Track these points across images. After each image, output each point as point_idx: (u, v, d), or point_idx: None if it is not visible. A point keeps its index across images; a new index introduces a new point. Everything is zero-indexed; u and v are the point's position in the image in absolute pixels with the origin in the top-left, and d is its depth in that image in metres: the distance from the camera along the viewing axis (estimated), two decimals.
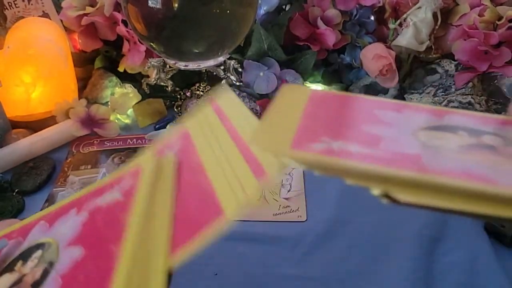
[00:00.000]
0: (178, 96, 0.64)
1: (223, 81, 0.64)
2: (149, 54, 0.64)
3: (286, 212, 0.48)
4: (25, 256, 0.22)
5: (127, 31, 0.62)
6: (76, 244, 0.21)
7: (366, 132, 0.21)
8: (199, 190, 0.20)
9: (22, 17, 0.67)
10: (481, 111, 0.55)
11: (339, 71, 0.69)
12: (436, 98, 0.59)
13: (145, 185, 0.22)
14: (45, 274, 0.20)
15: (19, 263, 0.22)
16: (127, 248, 0.18)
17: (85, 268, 0.19)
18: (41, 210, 0.49)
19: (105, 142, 0.59)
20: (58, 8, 0.68)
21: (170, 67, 0.64)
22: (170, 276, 0.17)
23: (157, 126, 0.62)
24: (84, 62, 0.70)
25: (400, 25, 0.64)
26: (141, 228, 0.19)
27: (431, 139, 0.20)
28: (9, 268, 0.22)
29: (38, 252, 0.22)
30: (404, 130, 0.21)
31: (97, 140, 0.60)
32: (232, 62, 0.63)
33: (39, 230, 0.24)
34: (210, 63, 0.61)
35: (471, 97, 0.56)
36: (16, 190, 0.51)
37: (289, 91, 0.26)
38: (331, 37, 0.63)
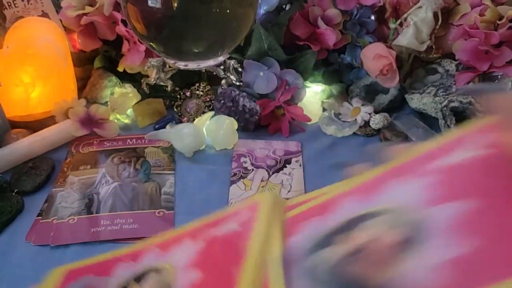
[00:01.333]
0: (178, 96, 0.64)
1: (223, 81, 0.64)
2: (148, 54, 0.64)
3: None
4: (139, 278, 0.23)
5: (126, 30, 0.62)
6: (194, 268, 0.22)
7: None
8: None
9: (22, 17, 0.67)
10: (482, 111, 0.55)
11: (340, 71, 0.69)
12: (437, 98, 0.59)
13: (264, 215, 0.23)
14: None
15: (133, 284, 0.23)
16: (247, 269, 0.19)
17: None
18: (40, 210, 0.49)
19: (105, 142, 0.59)
20: (58, 7, 0.68)
21: (169, 67, 0.63)
22: None
23: (156, 126, 0.62)
24: (83, 62, 0.70)
25: (401, 24, 0.64)
26: (260, 252, 0.20)
27: None
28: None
29: (153, 275, 0.23)
30: None
31: (96, 140, 0.60)
32: (232, 62, 0.63)
33: (153, 256, 0.25)
34: (210, 63, 0.61)
35: (472, 97, 0.56)
36: (15, 190, 0.51)
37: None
38: (331, 37, 0.63)
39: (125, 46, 0.64)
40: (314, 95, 0.65)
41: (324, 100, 0.65)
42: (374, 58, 0.61)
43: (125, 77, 0.68)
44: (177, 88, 0.65)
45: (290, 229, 0.23)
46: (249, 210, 0.24)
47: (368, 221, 0.19)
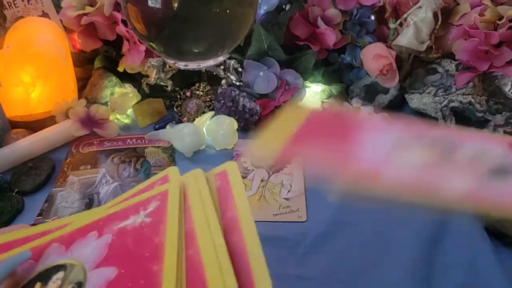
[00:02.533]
0: (178, 96, 0.64)
1: (223, 81, 0.64)
2: (149, 54, 0.64)
3: (286, 212, 0.48)
4: (43, 277, 0.22)
5: (126, 31, 0.62)
6: (107, 265, 0.21)
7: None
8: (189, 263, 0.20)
9: (22, 17, 0.67)
10: (482, 111, 0.55)
11: (339, 71, 0.69)
12: (437, 98, 0.59)
13: (174, 206, 0.23)
14: None
15: (38, 285, 0.22)
16: (169, 268, 0.19)
17: (124, 286, 0.19)
18: (40, 210, 0.49)
19: (105, 142, 0.59)
20: (58, 8, 0.68)
21: (170, 67, 0.63)
22: None
23: (156, 126, 0.62)
24: (83, 62, 0.70)
25: (401, 24, 0.64)
26: (181, 249, 0.20)
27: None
28: None
29: (60, 274, 0.22)
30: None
31: (96, 140, 0.60)
32: (232, 62, 0.63)
33: (54, 252, 0.23)
34: (210, 63, 0.61)
35: (472, 97, 0.56)
36: (15, 190, 0.51)
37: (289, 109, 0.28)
38: (331, 37, 0.63)
39: (125, 46, 0.64)
40: (314, 95, 0.65)
41: (324, 100, 0.65)
42: (374, 58, 0.61)
43: (125, 77, 0.68)
44: (177, 88, 0.65)
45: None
46: (158, 199, 0.24)
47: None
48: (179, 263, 0.19)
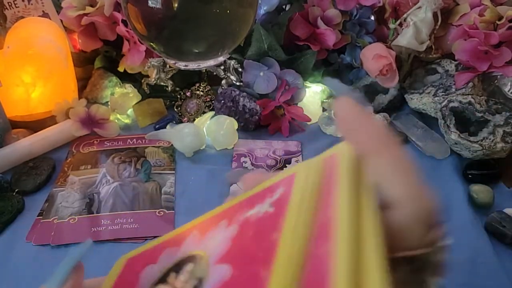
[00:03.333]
0: (178, 96, 0.64)
1: (223, 81, 0.64)
2: (149, 54, 0.64)
3: None
4: (178, 268, 0.21)
5: (127, 31, 0.62)
6: (225, 262, 0.19)
7: None
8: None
9: (22, 17, 0.67)
10: (481, 111, 0.55)
11: (339, 71, 0.69)
12: (437, 98, 0.59)
13: (299, 196, 0.18)
14: None
15: (173, 275, 0.21)
16: (276, 275, 0.15)
17: None
18: (41, 210, 0.49)
19: (105, 142, 0.59)
20: (58, 8, 0.68)
21: (170, 67, 0.64)
22: None
23: (157, 126, 0.62)
24: (84, 62, 0.70)
25: (400, 25, 0.64)
26: (292, 249, 0.16)
27: None
28: (163, 279, 0.21)
29: (190, 265, 0.21)
30: None
31: (97, 140, 0.60)
32: (232, 62, 0.63)
33: (192, 240, 0.23)
34: (210, 63, 0.61)
35: (472, 97, 0.56)
36: (16, 190, 0.51)
37: None
38: (331, 37, 0.63)
39: (126, 46, 0.64)
40: (314, 95, 0.65)
41: (324, 100, 0.65)
42: (374, 58, 0.61)
43: (125, 77, 0.68)
44: (177, 88, 0.65)
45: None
46: (285, 184, 0.20)
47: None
48: (293, 270, 0.15)
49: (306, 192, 0.18)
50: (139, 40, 0.62)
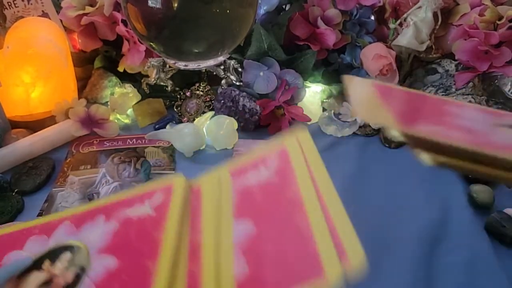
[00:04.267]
0: (178, 96, 0.64)
1: (223, 81, 0.64)
2: (149, 54, 0.64)
3: None
4: (52, 255, 0.23)
5: (126, 31, 0.62)
6: (109, 253, 0.21)
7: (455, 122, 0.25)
8: (298, 235, 0.19)
9: (22, 17, 0.67)
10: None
11: (339, 71, 0.69)
12: None
13: (177, 204, 0.23)
14: (77, 278, 0.21)
15: (47, 262, 0.22)
16: (163, 265, 0.19)
17: (120, 279, 0.20)
18: (40, 210, 0.49)
19: (105, 142, 0.59)
20: (58, 8, 0.68)
21: (170, 67, 0.63)
22: None
23: (156, 126, 0.62)
24: (83, 62, 0.70)
25: (400, 25, 0.64)
26: (176, 248, 0.20)
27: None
28: (36, 265, 0.22)
29: (67, 254, 0.22)
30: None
31: (96, 140, 0.60)
32: (232, 62, 0.63)
33: (65, 230, 0.24)
34: (210, 63, 0.61)
35: (472, 97, 0.56)
36: (15, 190, 0.51)
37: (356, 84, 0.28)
38: (331, 37, 0.63)
39: (125, 46, 0.64)
40: (314, 95, 0.65)
41: (324, 100, 0.65)
42: (374, 58, 0.61)
43: (125, 77, 0.68)
44: (177, 88, 0.65)
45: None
46: (163, 193, 0.24)
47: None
48: (175, 263, 0.20)
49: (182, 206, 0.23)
50: (139, 40, 0.62)
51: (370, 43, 0.66)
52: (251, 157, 0.25)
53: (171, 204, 0.23)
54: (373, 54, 0.61)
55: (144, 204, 0.24)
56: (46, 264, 0.22)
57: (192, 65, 0.61)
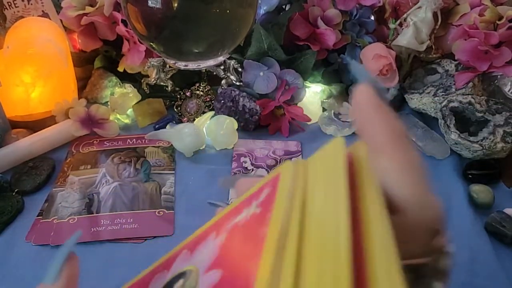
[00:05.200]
0: (178, 96, 0.64)
1: (223, 81, 0.64)
2: (149, 54, 0.64)
3: None
4: (169, 287, 0.21)
5: (126, 31, 0.62)
6: (215, 268, 0.19)
7: None
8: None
9: (22, 17, 0.67)
10: (481, 111, 0.55)
11: (339, 71, 0.69)
12: (436, 98, 0.59)
13: (284, 190, 0.18)
14: None
15: None
16: (265, 262, 0.15)
17: None
18: (40, 210, 0.49)
19: (105, 142, 0.59)
20: (58, 8, 0.68)
21: (170, 67, 0.63)
22: None
23: (156, 126, 0.62)
24: (83, 62, 0.70)
25: (400, 25, 0.64)
26: (278, 241, 0.15)
27: None
28: None
29: (180, 281, 0.20)
30: None
31: (96, 140, 0.60)
32: (232, 62, 0.63)
33: (182, 259, 0.23)
34: (210, 63, 0.61)
35: (472, 97, 0.56)
36: (15, 190, 0.51)
37: None
38: (331, 37, 0.63)
39: (125, 46, 0.64)
40: (314, 95, 0.65)
41: (324, 100, 0.65)
42: (374, 58, 0.61)
43: (125, 77, 0.68)
44: (177, 88, 0.65)
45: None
46: (270, 185, 0.20)
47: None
48: (280, 259, 0.15)
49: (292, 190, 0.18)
50: (139, 40, 0.62)
51: (370, 43, 0.66)
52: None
53: (277, 193, 0.18)
54: (373, 54, 0.61)
55: (251, 206, 0.20)
56: None
57: (192, 65, 0.61)
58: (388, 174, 0.17)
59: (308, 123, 0.62)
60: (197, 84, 0.65)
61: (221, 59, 0.62)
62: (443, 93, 0.59)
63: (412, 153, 0.17)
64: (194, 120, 0.60)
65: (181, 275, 0.21)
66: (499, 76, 0.60)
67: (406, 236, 0.17)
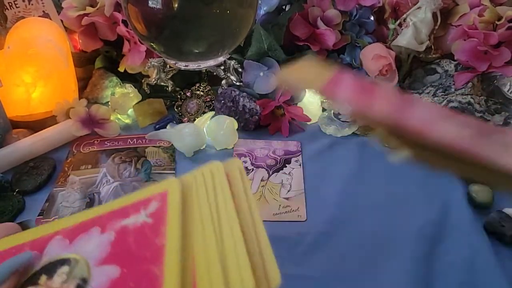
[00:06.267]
0: (178, 96, 0.65)
1: (223, 81, 0.64)
2: (149, 54, 0.64)
3: (286, 212, 0.48)
4: (48, 270, 0.22)
5: (127, 31, 0.62)
6: (110, 263, 0.21)
7: None
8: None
9: (23, 17, 0.67)
10: (481, 111, 0.55)
11: None
12: (436, 98, 0.59)
13: (175, 209, 0.23)
14: None
15: (43, 277, 0.22)
16: (171, 270, 0.20)
17: (127, 285, 0.20)
18: (41, 210, 0.49)
19: (106, 142, 0.59)
20: (59, 8, 0.68)
21: (170, 67, 0.64)
22: None
23: (157, 126, 0.62)
24: (84, 62, 0.70)
25: (400, 25, 0.64)
26: (181, 251, 0.20)
27: None
28: (32, 282, 0.22)
29: (64, 268, 0.22)
30: None
31: (97, 140, 0.60)
32: (232, 62, 0.63)
33: (57, 245, 0.24)
34: (210, 63, 0.61)
35: (471, 97, 0.56)
36: (16, 190, 0.51)
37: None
38: (331, 37, 0.63)
39: (126, 47, 0.65)
40: (314, 95, 0.65)
41: (324, 100, 0.65)
42: (374, 58, 0.61)
43: (125, 77, 0.68)
44: (177, 88, 0.66)
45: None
46: (158, 200, 0.24)
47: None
48: (182, 266, 0.20)
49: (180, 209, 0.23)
50: (139, 40, 0.62)
51: (369, 43, 0.66)
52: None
53: (168, 208, 0.23)
54: (373, 54, 0.61)
55: (140, 213, 0.23)
56: (43, 279, 0.22)
57: (192, 66, 0.61)
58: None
59: (308, 123, 0.62)
60: (198, 84, 0.65)
61: (221, 59, 0.62)
62: (442, 93, 0.59)
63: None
64: (194, 120, 0.60)
65: (63, 261, 0.22)
66: (498, 76, 0.60)
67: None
